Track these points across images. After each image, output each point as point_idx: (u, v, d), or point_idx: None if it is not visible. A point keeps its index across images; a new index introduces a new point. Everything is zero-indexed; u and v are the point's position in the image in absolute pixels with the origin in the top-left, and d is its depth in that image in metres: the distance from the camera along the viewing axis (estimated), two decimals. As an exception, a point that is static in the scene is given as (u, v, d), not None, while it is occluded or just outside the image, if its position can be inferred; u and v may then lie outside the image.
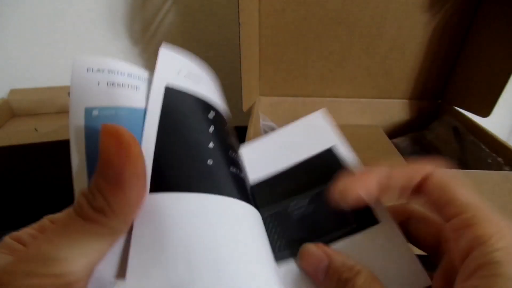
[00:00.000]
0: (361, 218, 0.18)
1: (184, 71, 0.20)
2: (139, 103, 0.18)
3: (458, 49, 0.46)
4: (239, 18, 0.35)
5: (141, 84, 0.18)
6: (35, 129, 0.40)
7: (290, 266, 0.19)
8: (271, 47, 0.47)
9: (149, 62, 0.57)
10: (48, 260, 0.13)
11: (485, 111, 0.42)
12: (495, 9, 0.41)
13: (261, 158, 0.22)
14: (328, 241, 0.19)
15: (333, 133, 0.22)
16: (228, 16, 0.54)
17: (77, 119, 0.17)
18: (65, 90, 0.53)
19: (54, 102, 0.54)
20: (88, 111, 0.17)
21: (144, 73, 0.19)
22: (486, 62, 0.42)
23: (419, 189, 0.16)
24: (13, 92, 0.54)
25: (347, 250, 0.18)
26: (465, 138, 0.42)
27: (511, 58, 0.38)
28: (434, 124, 0.48)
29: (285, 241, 0.19)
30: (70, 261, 0.13)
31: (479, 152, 0.39)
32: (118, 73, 0.18)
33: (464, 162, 0.41)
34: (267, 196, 0.21)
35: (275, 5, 0.43)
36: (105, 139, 0.15)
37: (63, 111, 0.54)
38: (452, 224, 0.15)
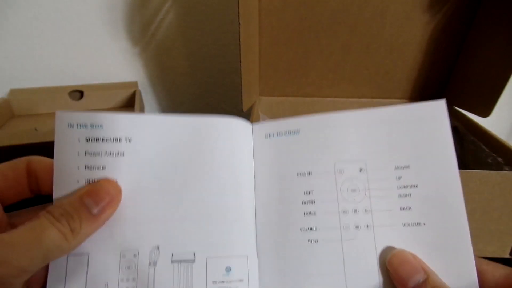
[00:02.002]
0: None
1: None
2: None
3: (458, 49, 0.46)
4: (239, 18, 0.35)
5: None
6: (35, 129, 0.40)
7: None
8: (271, 47, 0.47)
9: (149, 62, 0.57)
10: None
11: (485, 111, 0.42)
12: (495, 9, 0.41)
13: None
14: None
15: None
16: (228, 16, 0.54)
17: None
18: (65, 90, 0.53)
19: (54, 102, 0.54)
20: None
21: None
22: (486, 62, 0.42)
23: None
24: (13, 92, 0.54)
25: None
26: (465, 138, 0.42)
27: (511, 58, 0.38)
28: (434, 124, 0.48)
29: None
30: (32, 260, 0.17)
31: (479, 152, 0.39)
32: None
33: (464, 162, 0.41)
34: None
35: (275, 5, 0.43)
36: (102, 183, 0.20)
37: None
38: None
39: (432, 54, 0.46)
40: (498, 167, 0.36)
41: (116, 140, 0.21)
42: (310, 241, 0.21)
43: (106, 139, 0.21)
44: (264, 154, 0.24)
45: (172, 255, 0.21)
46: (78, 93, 0.53)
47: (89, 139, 0.21)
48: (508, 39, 0.39)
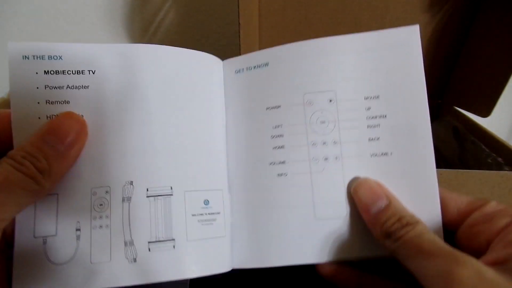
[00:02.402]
0: None
1: None
2: None
3: (458, 49, 0.46)
4: (239, 18, 0.35)
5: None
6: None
7: None
8: (271, 47, 0.46)
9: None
10: None
11: (485, 111, 0.42)
12: (495, 9, 0.41)
13: None
14: None
15: None
16: (228, 16, 0.54)
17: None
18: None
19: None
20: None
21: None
22: (486, 62, 0.42)
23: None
24: (13, 92, 0.54)
25: None
26: (465, 138, 0.42)
27: (511, 58, 0.38)
28: (434, 124, 0.48)
29: None
30: (2, 208, 0.16)
31: (479, 152, 0.39)
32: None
33: (464, 162, 0.41)
34: None
35: (275, 5, 0.43)
36: (63, 117, 0.19)
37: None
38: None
39: (432, 54, 0.46)
40: (498, 167, 0.36)
41: (78, 72, 0.20)
42: (279, 175, 0.21)
43: (67, 71, 0.20)
44: (234, 89, 0.24)
45: (147, 189, 0.20)
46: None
47: (48, 72, 0.19)
48: (508, 39, 0.39)
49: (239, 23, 0.36)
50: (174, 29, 0.55)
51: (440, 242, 0.17)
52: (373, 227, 0.19)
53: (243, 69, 0.23)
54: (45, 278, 0.19)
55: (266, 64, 0.23)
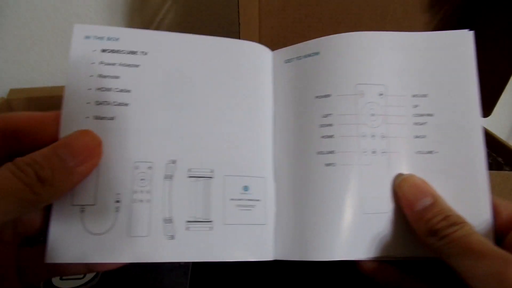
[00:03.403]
0: None
1: None
2: None
3: (458, 49, 0.46)
4: (239, 18, 0.35)
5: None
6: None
7: None
8: (271, 47, 0.46)
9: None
10: None
11: (485, 111, 0.41)
12: (495, 9, 0.41)
13: None
14: None
15: None
16: (228, 16, 0.54)
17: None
18: (65, 90, 0.53)
19: (54, 102, 0.54)
20: None
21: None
22: (486, 63, 0.42)
23: None
24: (13, 92, 0.54)
25: None
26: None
27: (511, 58, 0.38)
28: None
29: None
30: None
31: (479, 152, 0.39)
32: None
33: (464, 162, 0.41)
34: None
35: (275, 5, 0.43)
36: (80, 133, 0.18)
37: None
38: None
39: (432, 54, 0.46)
40: (498, 167, 0.36)
41: (132, 52, 0.21)
42: (327, 165, 0.21)
43: (122, 51, 0.21)
44: (284, 79, 0.24)
45: (189, 170, 0.21)
46: (78, 93, 0.53)
47: (105, 50, 0.21)
48: (508, 39, 0.39)
49: (239, 23, 0.36)
50: (174, 29, 0.55)
51: (490, 243, 0.17)
52: (416, 224, 0.19)
53: (293, 58, 0.24)
54: (81, 246, 0.19)
55: (317, 53, 0.23)
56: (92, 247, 0.19)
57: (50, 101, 0.54)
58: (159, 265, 0.31)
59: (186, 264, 0.31)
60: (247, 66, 0.23)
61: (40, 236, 0.20)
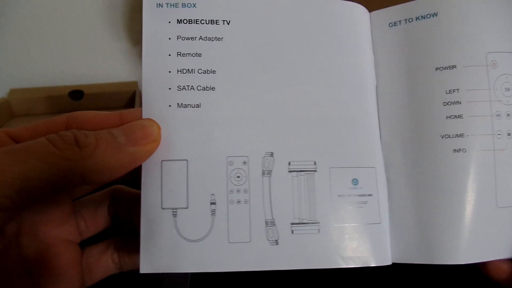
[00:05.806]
0: None
1: None
2: None
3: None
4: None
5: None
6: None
7: None
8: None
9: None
10: None
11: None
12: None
13: None
14: None
15: None
16: None
17: None
18: (65, 90, 0.53)
19: (54, 102, 0.54)
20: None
21: None
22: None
23: None
24: (13, 92, 0.54)
25: None
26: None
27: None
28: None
29: None
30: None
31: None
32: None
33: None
34: None
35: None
36: (146, 121, 0.17)
37: (63, 111, 0.54)
38: None
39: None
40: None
41: (212, 22, 0.18)
42: (456, 151, 0.18)
43: (201, 21, 0.18)
44: (388, 46, 0.20)
45: (289, 163, 0.18)
46: (78, 93, 0.53)
47: (181, 21, 0.18)
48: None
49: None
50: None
51: None
52: None
53: (400, 21, 0.20)
54: (176, 255, 0.17)
55: (435, 14, 0.19)
56: (188, 255, 0.17)
57: (50, 101, 0.54)
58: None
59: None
60: (343, 31, 0.19)
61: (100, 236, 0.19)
